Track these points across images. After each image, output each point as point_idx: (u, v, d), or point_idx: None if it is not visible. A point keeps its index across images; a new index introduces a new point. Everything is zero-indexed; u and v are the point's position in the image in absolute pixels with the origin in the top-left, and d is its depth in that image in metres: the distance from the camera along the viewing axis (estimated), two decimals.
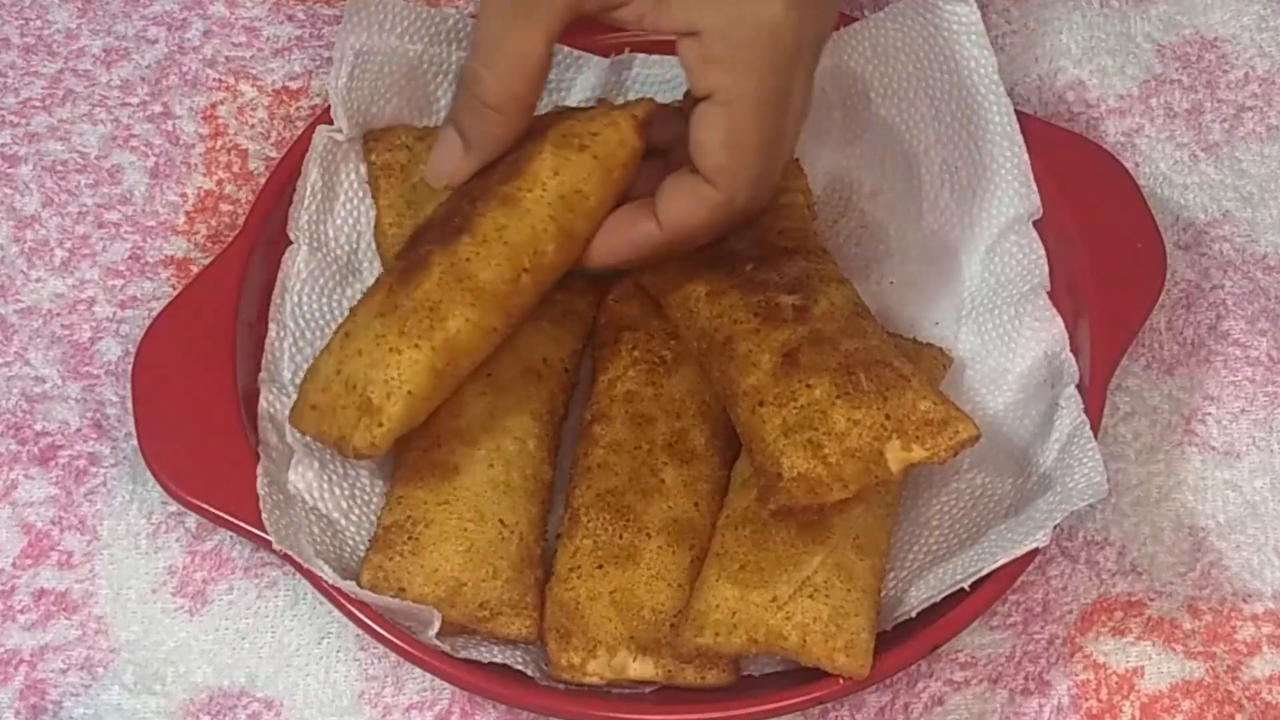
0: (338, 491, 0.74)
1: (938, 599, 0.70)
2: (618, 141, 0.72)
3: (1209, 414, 0.80)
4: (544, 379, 0.76)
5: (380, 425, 0.68)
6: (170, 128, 0.87)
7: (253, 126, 0.87)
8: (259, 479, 0.72)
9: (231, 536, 0.77)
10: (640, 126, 0.72)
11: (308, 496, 0.73)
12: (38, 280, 0.83)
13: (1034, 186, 0.79)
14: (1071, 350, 0.76)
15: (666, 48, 0.85)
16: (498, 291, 0.70)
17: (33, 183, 0.86)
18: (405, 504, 0.72)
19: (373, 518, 0.74)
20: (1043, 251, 0.79)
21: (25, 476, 0.78)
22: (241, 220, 0.80)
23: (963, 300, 0.81)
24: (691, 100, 0.68)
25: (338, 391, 0.70)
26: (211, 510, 0.72)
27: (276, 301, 0.78)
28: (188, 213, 0.85)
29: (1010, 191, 0.79)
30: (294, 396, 0.76)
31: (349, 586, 0.70)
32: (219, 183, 0.86)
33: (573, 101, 0.85)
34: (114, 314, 0.82)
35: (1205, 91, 0.89)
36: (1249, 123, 0.88)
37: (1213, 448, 0.79)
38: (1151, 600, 0.76)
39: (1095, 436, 0.72)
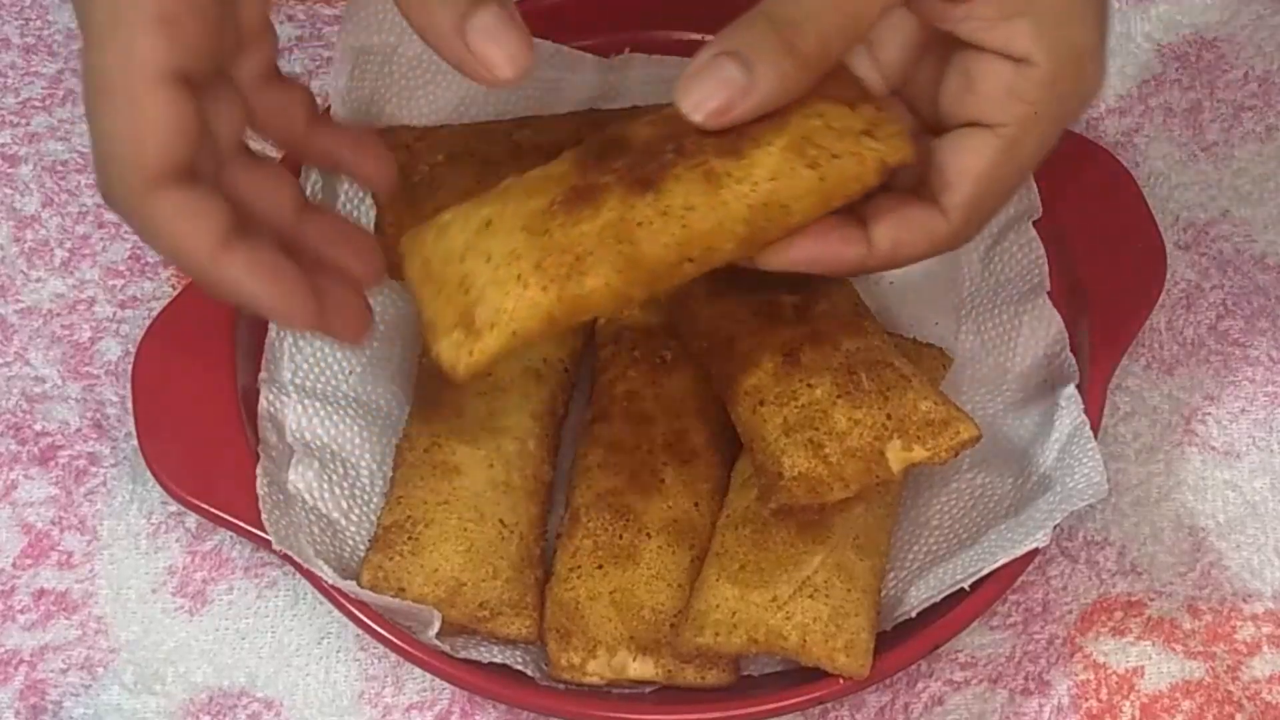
0: (337, 491, 0.74)
1: (938, 599, 0.70)
2: (854, 175, 0.61)
3: (1209, 414, 0.80)
4: (544, 379, 0.76)
5: (470, 354, 0.61)
6: None
7: None
8: (259, 479, 0.72)
9: (231, 536, 0.77)
10: (884, 172, 0.61)
11: (307, 496, 0.73)
12: (38, 280, 0.83)
13: (1033, 186, 0.79)
14: (1071, 350, 0.76)
15: (666, 48, 0.86)
16: (654, 269, 0.61)
17: (33, 183, 0.86)
18: (405, 504, 0.72)
19: (373, 517, 0.74)
20: (1043, 251, 0.79)
21: (25, 476, 0.78)
22: None
23: (963, 300, 0.81)
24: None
25: (454, 276, 0.63)
26: (211, 510, 0.72)
27: None
28: None
29: None
30: (294, 396, 0.76)
31: (349, 586, 0.70)
32: None
33: (569, 102, 0.84)
34: (114, 314, 0.82)
35: (1204, 91, 0.89)
36: (1248, 122, 0.88)
37: (1213, 448, 0.79)
38: (1151, 600, 0.76)
39: (1095, 436, 0.72)
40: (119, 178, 0.56)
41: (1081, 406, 0.73)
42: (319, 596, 0.72)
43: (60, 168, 0.86)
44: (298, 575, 0.72)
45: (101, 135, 0.56)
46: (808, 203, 0.61)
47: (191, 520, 0.77)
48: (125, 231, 0.84)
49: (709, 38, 0.85)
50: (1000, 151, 0.61)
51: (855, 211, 0.62)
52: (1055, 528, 0.69)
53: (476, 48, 0.57)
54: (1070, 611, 0.76)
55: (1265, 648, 0.75)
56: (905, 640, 0.70)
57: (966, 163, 0.61)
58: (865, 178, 0.61)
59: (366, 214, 0.81)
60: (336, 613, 0.71)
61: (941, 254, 0.64)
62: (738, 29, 0.59)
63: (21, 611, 0.76)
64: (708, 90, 0.59)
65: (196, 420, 0.74)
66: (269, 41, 0.63)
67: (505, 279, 0.61)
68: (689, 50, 0.84)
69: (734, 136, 0.61)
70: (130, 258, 0.84)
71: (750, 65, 0.59)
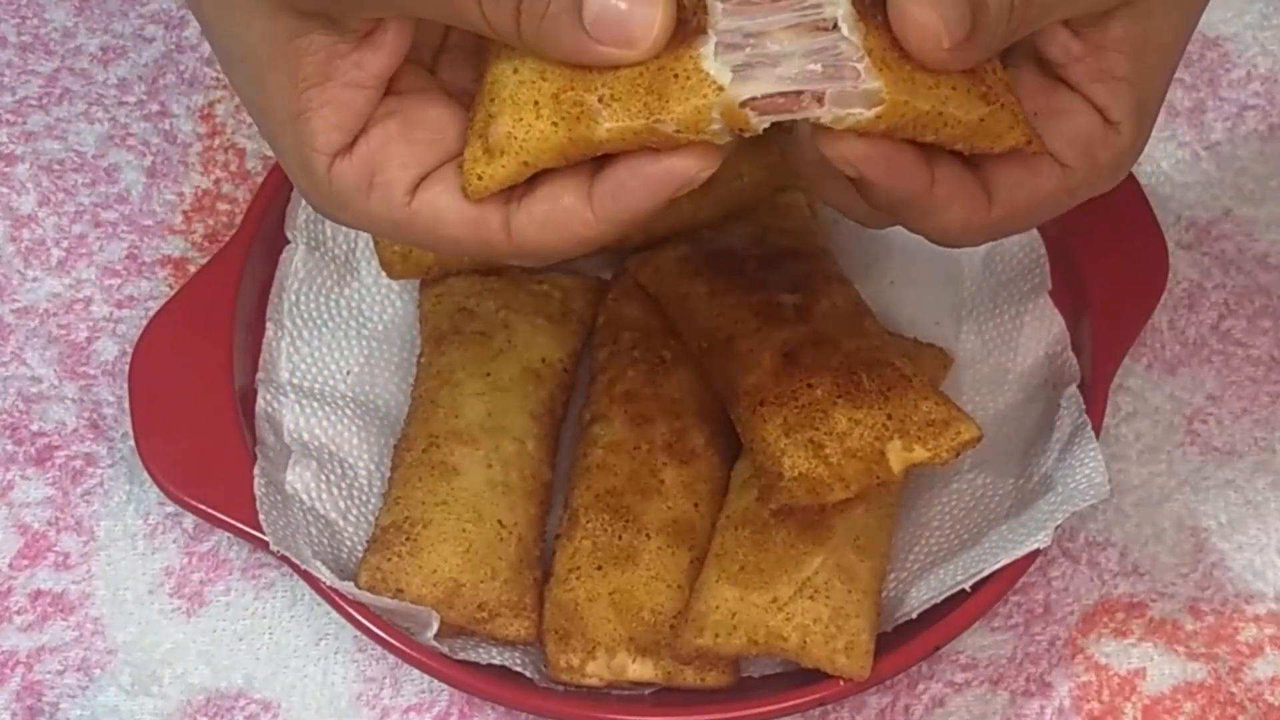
0: (335, 492, 0.74)
1: (939, 600, 0.70)
2: (1005, 128, 0.58)
3: (1211, 414, 0.80)
4: (543, 379, 0.76)
5: (480, 179, 0.58)
6: (167, 126, 0.87)
7: (250, 125, 0.87)
8: (256, 479, 0.72)
9: (229, 537, 0.77)
10: (1020, 140, 0.58)
11: (305, 497, 0.73)
12: (34, 280, 0.83)
13: None
14: (1073, 350, 0.76)
15: None
16: (682, 122, 0.55)
17: (29, 182, 0.85)
18: (403, 505, 0.72)
19: (371, 518, 0.74)
20: (1044, 251, 0.79)
21: (22, 477, 0.78)
22: (239, 219, 0.80)
23: (963, 300, 0.81)
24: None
25: (488, 78, 0.58)
26: (209, 511, 0.72)
27: (274, 301, 0.78)
28: (185, 212, 0.85)
29: None
30: (291, 397, 0.76)
31: (347, 587, 0.69)
32: (216, 182, 0.86)
33: None
34: (111, 314, 0.82)
35: (1207, 90, 0.89)
36: (1251, 121, 0.88)
37: (1215, 448, 0.79)
38: (1153, 601, 0.75)
39: (1097, 437, 0.72)
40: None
41: (1083, 407, 0.73)
42: (317, 598, 0.72)
43: (57, 167, 0.86)
44: (295, 576, 0.72)
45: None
46: (958, 130, 0.57)
47: (189, 521, 0.77)
48: (122, 231, 0.84)
49: None
50: (1063, 192, 0.61)
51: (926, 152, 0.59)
52: (1057, 528, 0.69)
53: (604, 36, 0.54)
54: (1072, 613, 0.75)
55: (1268, 649, 0.75)
56: (906, 641, 0.69)
57: (1029, 180, 0.61)
58: (1006, 137, 0.58)
59: None
60: (334, 614, 0.71)
61: (964, 241, 0.62)
62: None
63: (18, 613, 0.75)
64: (954, 13, 0.54)
65: (194, 420, 0.74)
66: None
67: (523, 101, 0.57)
68: None
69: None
70: (127, 257, 0.83)
71: (980, 11, 0.55)
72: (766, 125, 0.55)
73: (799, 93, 0.55)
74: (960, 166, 0.60)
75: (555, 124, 0.56)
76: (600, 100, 0.55)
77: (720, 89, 0.54)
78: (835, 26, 0.55)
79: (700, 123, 0.55)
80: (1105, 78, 0.60)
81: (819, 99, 0.55)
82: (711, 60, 0.54)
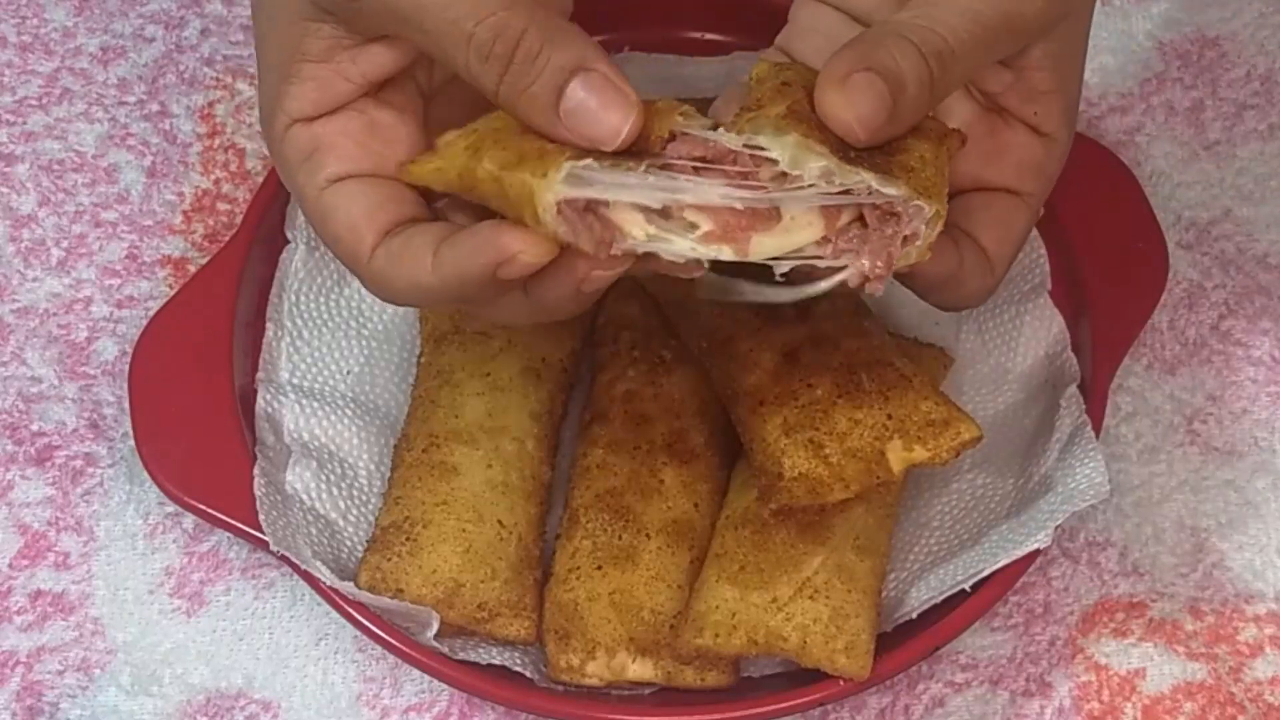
0: (335, 492, 0.74)
1: (938, 600, 0.70)
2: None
3: (1211, 414, 0.80)
4: (542, 379, 0.76)
5: (412, 163, 0.62)
6: (167, 127, 0.87)
7: (250, 125, 0.87)
8: (256, 479, 0.72)
9: (229, 537, 0.76)
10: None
11: (305, 497, 0.73)
12: (34, 280, 0.83)
13: None
14: (1073, 350, 0.76)
15: (665, 46, 0.86)
16: (514, 189, 0.58)
17: (29, 182, 0.85)
18: (403, 504, 0.72)
19: (371, 518, 0.74)
20: (1044, 251, 0.79)
21: (22, 477, 0.78)
22: (239, 219, 0.80)
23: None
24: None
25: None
26: (209, 511, 0.72)
27: (274, 301, 0.78)
28: (185, 212, 0.85)
29: None
30: (291, 396, 0.76)
31: (347, 588, 0.69)
32: (216, 182, 0.86)
33: None
34: (111, 314, 0.82)
35: (1206, 89, 0.89)
36: (1250, 121, 0.88)
37: (1215, 448, 0.79)
38: (1153, 601, 0.75)
39: (1097, 437, 0.72)
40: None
41: (1083, 407, 0.73)
42: (317, 598, 0.72)
43: (57, 167, 0.86)
44: (295, 576, 0.72)
45: None
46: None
47: (189, 521, 0.77)
48: (122, 231, 0.84)
49: (709, 36, 0.86)
50: (1030, 219, 0.66)
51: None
52: (1057, 528, 0.69)
53: (572, 129, 0.57)
54: (1072, 613, 0.75)
55: (1268, 649, 0.75)
56: (906, 641, 0.69)
57: (1008, 231, 0.66)
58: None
59: None
60: (334, 614, 0.71)
61: (977, 303, 0.67)
62: (886, 47, 0.59)
63: (18, 613, 0.75)
64: (866, 104, 0.58)
65: (194, 420, 0.73)
66: None
67: (478, 126, 0.60)
68: (688, 48, 0.85)
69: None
70: (127, 257, 0.83)
71: (899, 93, 0.59)
72: (568, 239, 0.57)
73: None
74: (972, 243, 0.65)
75: (468, 148, 0.59)
76: (496, 142, 0.58)
77: (543, 176, 0.56)
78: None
79: (522, 196, 0.56)
80: (1034, 96, 0.65)
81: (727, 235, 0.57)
82: (565, 158, 0.56)
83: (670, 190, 0.57)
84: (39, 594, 0.76)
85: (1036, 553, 0.69)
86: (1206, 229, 0.85)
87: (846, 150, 0.58)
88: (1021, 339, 0.78)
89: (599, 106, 0.57)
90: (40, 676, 0.74)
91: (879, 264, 0.59)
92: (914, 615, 0.70)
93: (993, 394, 0.78)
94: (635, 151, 0.57)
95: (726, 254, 0.57)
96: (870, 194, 0.58)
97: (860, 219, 0.59)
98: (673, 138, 0.57)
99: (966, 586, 0.69)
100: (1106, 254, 0.78)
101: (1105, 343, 0.76)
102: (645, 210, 0.57)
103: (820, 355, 0.70)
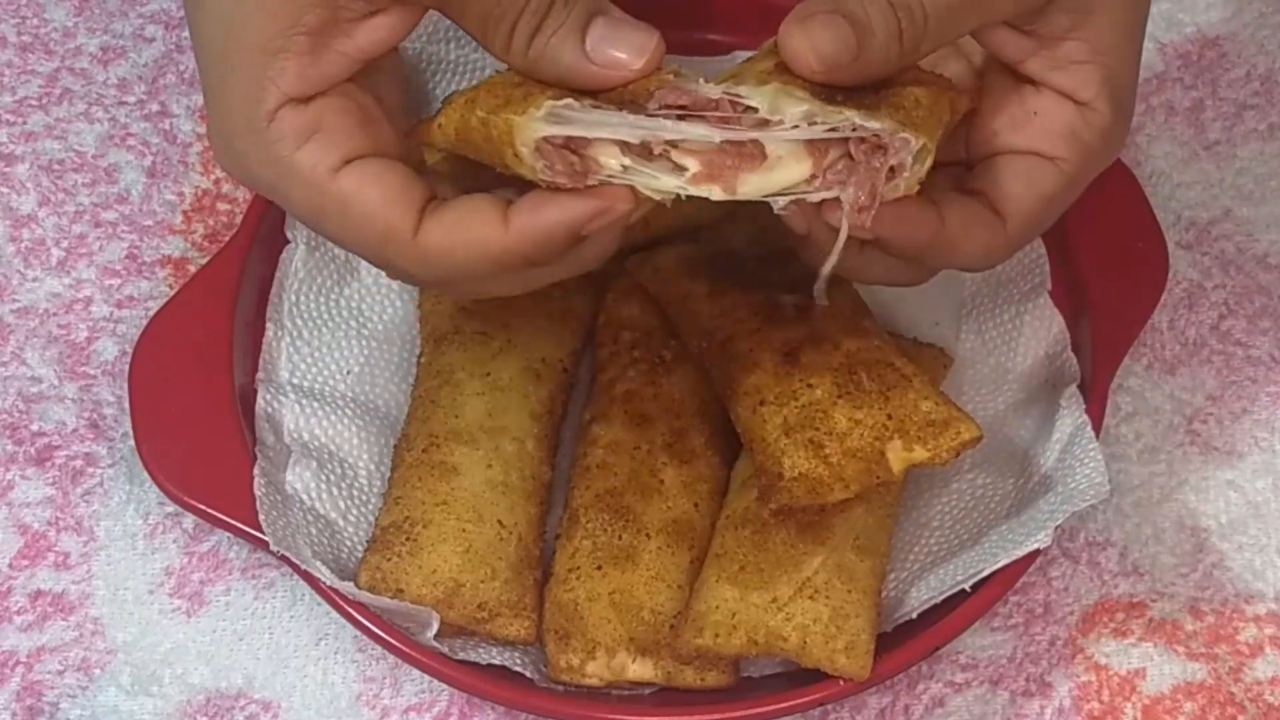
0: (335, 492, 0.74)
1: (938, 600, 0.70)
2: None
3: (1211, 414, 0.80)
4: (543, 379, 0.76)
5: (427, 123, 0.64)
6: (167, 126, 0.87)
7: None
8: (256, 479, 0.72)
9: (229, 537, 0.76)
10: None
11: (305, 497, 0.73)
12: (34, 280, 0.83)
13: None
14: (1073, 350, 0.76)
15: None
16: (499, 130, 0.60)
17: (29, 182, 0.85)
18: (403, 504, 0.72)
19: (371, 518, 0.74)
20: (1044, 251, 0.79)
21: (22, 477, 0.78)
22: (239, 219, 0.80)
23: (963, 300, 0.81)
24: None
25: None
26: (209, 511, 0.72)
27: (274, 300, 0.78)
28: (185, 212, 0.85)
29: None
30: (291, 396, 0.76)
31: (347, 588, 0.69)
32: (216, 182, 0.86)
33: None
34: (111, 314, 0.82)
35: (1206, 90, 0.89)
36: (1250, 121, 0.88)
37: (1215, 448, 0.79)
38: (1153, 601, 0.75)
39: (1097, 437, 0.72)
40: None
41: (1083, 407, 0.73)
42: (317, 598, 0.71)
43: (57, 167, 0.86)
44: (295, 576, 0.72)
45: None
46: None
47: (189, 521, 0.77)
48: (122, 231, 0.84)
49: (708, 36, 0.86)
50: (1062, 185, 0.65)
51: (929, 195, 0.63)
52: (1057, 528, 0.69)
53: (600, 59, 0.59)
54: (1072, 613, 0.75)
55: (1267, 649, 0.74)
56: (906, 641, 0.69)
57: (1029, 188, 0.65)
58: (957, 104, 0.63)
59: None
60: (334, 614, 0.71)
61: (989, 264, 0.66)
62: None
63: (18, 613, 0.75)
64: (825, 41, 0.59)
65: (194, 420, 0.73)
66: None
67: (477, 87, 0.62)
68: (687, 49, 0.85)
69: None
70: (127, 257, 0.83)
71: (866, 38, 0.60)
72: (545, 177, 0.59)
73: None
74: (966, 198, 0.64)
75: (466, 102, 0.61)
76: (489, 92, 0.60)
77: (524, 114, 0.58)
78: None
79: (504, 134, 0.59)
80: (1065, 65, 0.64)
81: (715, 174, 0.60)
82: (546, 97, 0.58)
83: (649, 128, 0.58)
84: (39, 594, 0.76)
85: (1036, 553, 0.69)
86: (1206, 229, 0.85)
87: (832, 94, 0.59)
88: (1021, 339, 0.78)
89: (623, 32, 0.59)
90: (40, 676, 0.74)
91: (863, 194, 0.59)
92: (914, 615, 0.70)
93: (993, 394, 0.78)
94: (621, 101, 0.59)
95: (716, 194, 0.59)
96: (855, 130, 0.58)
97: (849, 155, 0.60)
98: (662, 86, 0.59)
99: (966, 586, 0.69)
100: (1106, 254, 0.78)
101: (1105, 343, 0.76)
102: (624, 146, 0.59)
103: (820, 355, 0.70)
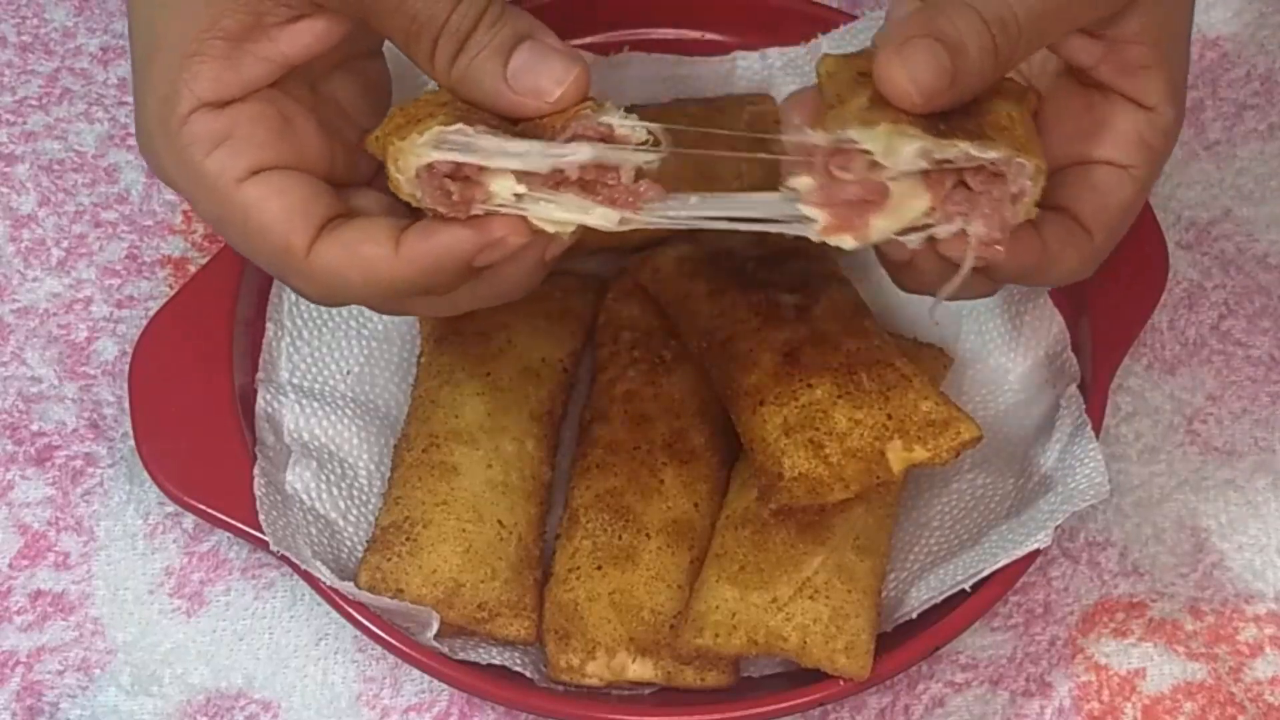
0: (335, 492, 0.74)
1: (938, 600, 0.70)
2: None
3: (1211, 414, 0.80)
4: (542, 379, 0.76)
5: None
6: None
7: None
8: (256, 479, 0.72)
9: (229, 537, 0.76)
10: None
11: (305, 497, 0.73)
12: (34, 280, 0.83)
13: None
14: (1073, 350, 0.76)
15: (665, 47, 0.86)
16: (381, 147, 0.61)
17: (29, 182, 0.85)
18: (403, 504, 0.72)
19: (371, 518, 0.74)
20: None
21: (22, 477, 0.78)
22: None
23: (963, 300, 0.81)
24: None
25: None
26: (209, 511, 0.72)
27: (274, 300, 0.78)
28: (185, 212, 0.85)
29: None
30: (291, 396, 0.76)
31: (347, 588, 0.69)
32: None
33: None
34: (111, 314, 0.82)
35: (1206, 89, 0.89)
36: (1250, 121, 0.88)
37: (1215, 448, 0.79)
38: (1153, 601, 0.75)
39: (1097, 437, 0.72)
40: None
41: (1083, 407, 0.73)
42: (317, 598, 0.71)
43: (57, 167, 0.86)
44: (295, 576, 0.72)
45: None
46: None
47: (189, 521, 0.77)
48: (122, 231, 0.84)
49: (709, 35, 0.86)
50: (1137, 193, 0.66)
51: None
52: (1057, 528, 0.69)
53: (519, 86, 0.58)
54: (1072, 613, 0.75)
55: (1267, 649, 0.74)
56: (906, 641, 0.69)
57: (1111, 201, 0.65)
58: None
59: None
60: (334, 614, 0.71)
61: (1078, 278, 0.66)
62: (947, 14, 0.59)
63: (18, 613, 0.75)
64: (923, 71, 0.58)
65: (194, 420, 0.73)
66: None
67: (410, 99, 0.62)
68: (687, 49, 0.85)
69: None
70: (127, 257, 0.83)
71: (960, 58, 0.59)
72: (425, 205, 0.58)
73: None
74: (1058, 216, 0.64)
75: (390, 117, 0.60)
76: (402, 110, 0.60)
77: (406, 137, 0.57)
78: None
79: (382, 151, 0.58)
80: (1134, 70, 0.64)
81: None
82: (437, 122, 0.57)
83: (541, 154, 0.58)
84: (39, 594, 0.76)
85: (1036, 553, 0.69)
86: (1206, 229, 0.85)
87: (936, 124, 0.58)
88: (1021, 339, 0.78)
89: (546, 60, 0.58)
90: (40, 676, 0.74)
91: (995, 230, 0.59)
92: (914, 615, 0.70)
93: (993, 394, 0.78)
94: (528, 130, 0.58)
95: (848, 243, 0.59)
96: (970, 160, 0.58)
97: (961, 181, 0.59)
98: (576, 119, 0.59)
99: (966, 586, 0.69)
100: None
101: (1105, 343, 0.76)
102: (522, 175, 0.58)
103: (820, 355, 0.70)
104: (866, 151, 0.57)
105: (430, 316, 0.73)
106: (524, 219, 0.58)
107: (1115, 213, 0.65)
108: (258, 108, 0.61)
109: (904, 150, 0.57)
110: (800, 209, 0.58)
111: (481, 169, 0.57)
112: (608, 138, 0.58)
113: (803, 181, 0.58)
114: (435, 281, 0.60)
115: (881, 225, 0.59)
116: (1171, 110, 0.65)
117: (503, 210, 0.58)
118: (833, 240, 0.59)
